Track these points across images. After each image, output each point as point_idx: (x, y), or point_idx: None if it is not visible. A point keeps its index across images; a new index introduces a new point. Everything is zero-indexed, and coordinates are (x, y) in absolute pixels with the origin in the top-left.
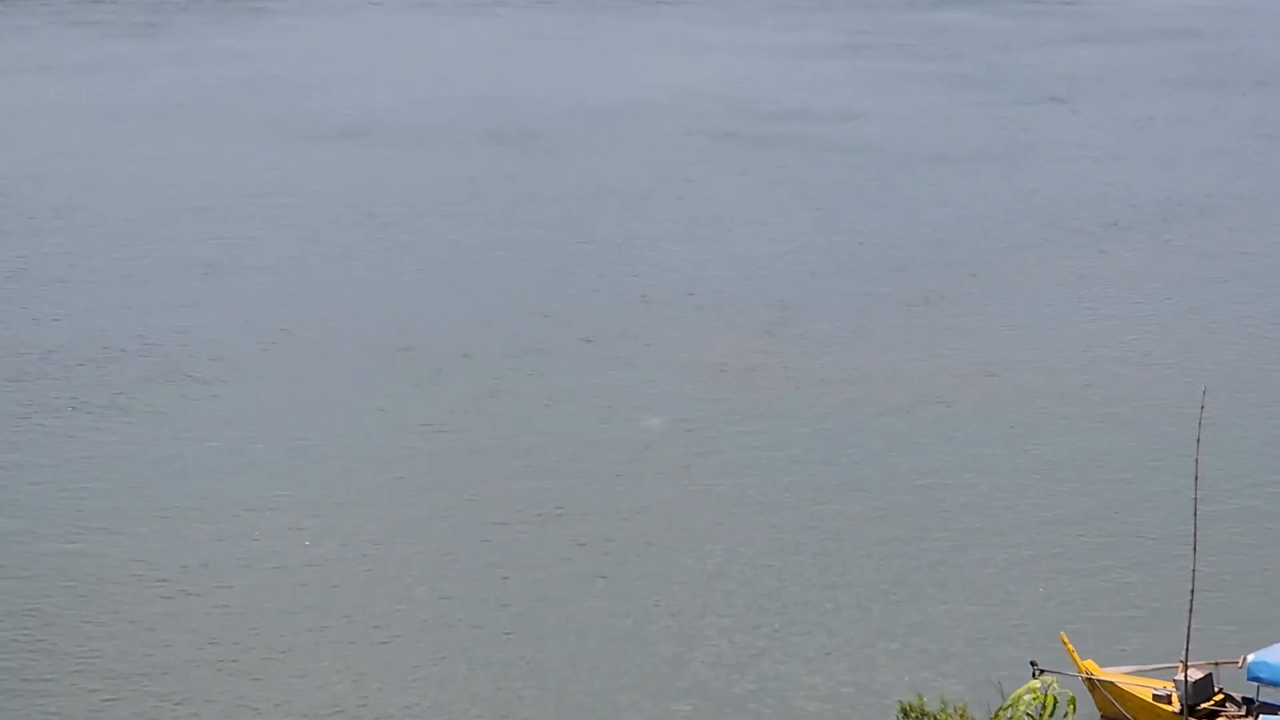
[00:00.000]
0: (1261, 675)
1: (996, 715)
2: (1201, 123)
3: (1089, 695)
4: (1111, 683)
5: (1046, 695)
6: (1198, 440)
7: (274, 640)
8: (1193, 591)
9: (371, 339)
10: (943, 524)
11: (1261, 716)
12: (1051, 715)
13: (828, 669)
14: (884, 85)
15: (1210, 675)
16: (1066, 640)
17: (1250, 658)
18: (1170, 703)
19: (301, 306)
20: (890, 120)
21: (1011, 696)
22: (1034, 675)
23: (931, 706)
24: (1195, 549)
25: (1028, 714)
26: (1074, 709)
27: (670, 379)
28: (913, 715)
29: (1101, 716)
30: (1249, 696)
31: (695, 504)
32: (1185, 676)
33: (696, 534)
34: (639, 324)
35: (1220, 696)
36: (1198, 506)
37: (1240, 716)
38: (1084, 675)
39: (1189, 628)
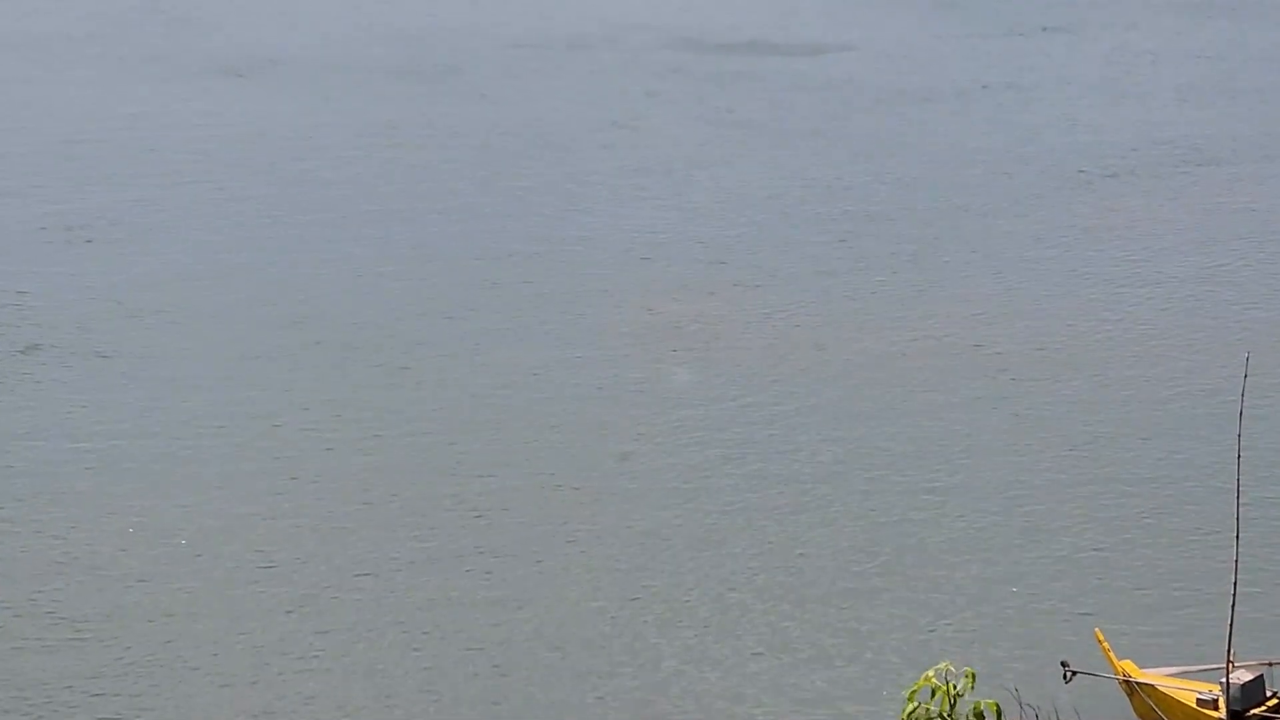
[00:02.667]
0: None
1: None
2: (1220, 56)
3: (1127, 700)
4: (1151, 685)
5: (947, 685)
6: (1240, 414)
7: (146, 656)
8: (1235, 583)
9: (267, 306)
10: (952, 511)
11: None
12: (954, 708)
13: (826, 673)
14: (856, 13)
15: (1261, 676)
16: (1102, 638)
17: None
18: (1217, 707)
19: (185, 269)
20: (864, 54)
21: (905, 695)
22: (1065, 678)
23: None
24: (1238, 535)
25: (941, 715)
26: (973, 683)
27: (614, 347)
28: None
29: None
30: None
31: (648, 496)
32: (1226, 679)
33: (650, 530)
34: (577, 285)
35: (1274, 701)
36: (1241, 487)
37: None
38: (1121, 677)
39: (1231, 623)
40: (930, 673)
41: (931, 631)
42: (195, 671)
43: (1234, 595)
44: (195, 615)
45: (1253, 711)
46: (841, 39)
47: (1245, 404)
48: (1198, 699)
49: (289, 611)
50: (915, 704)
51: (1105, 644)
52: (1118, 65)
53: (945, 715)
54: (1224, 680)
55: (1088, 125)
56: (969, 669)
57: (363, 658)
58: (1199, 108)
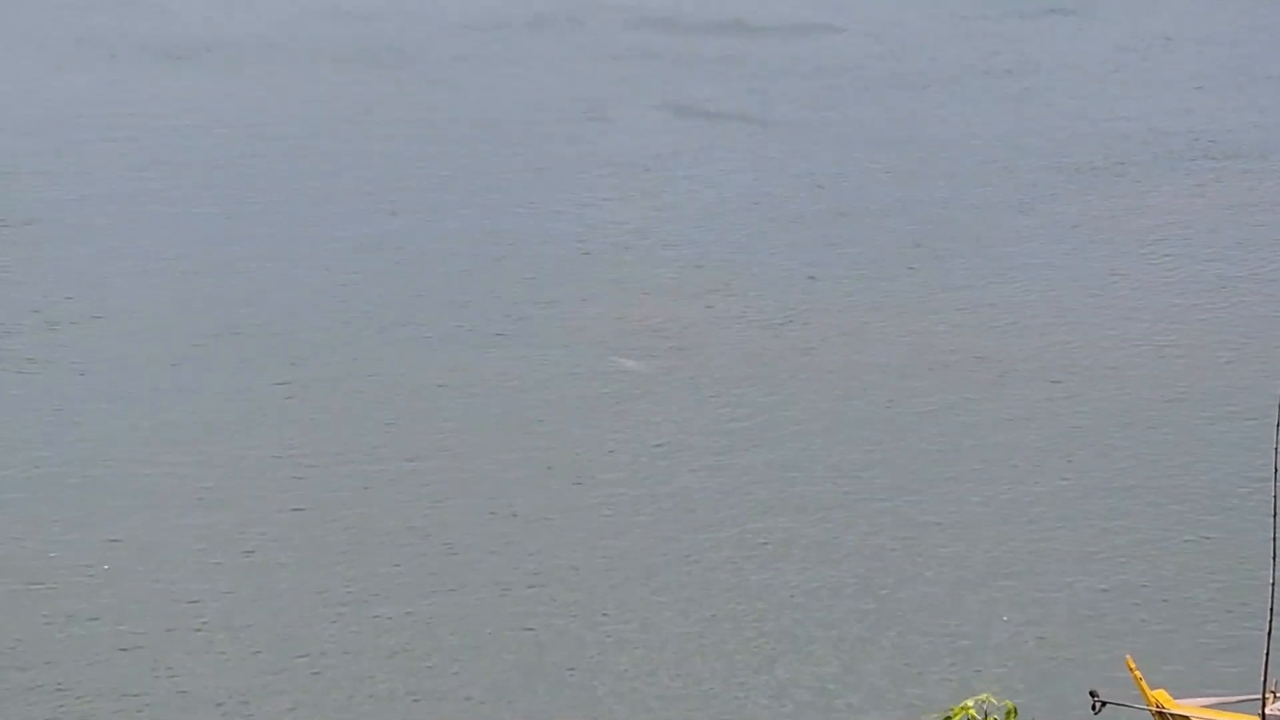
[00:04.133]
0: None
1: None
2: (1241, 40)
3: None
4: (1186, 717)
5: (986, 719)
6: (1277, 426)
7: (72, 679)
8: (1271, 610)
9: (202, 312)
10: (966, 535)
11: None
12: None
13: (839, 704)
14: None
15: None
16: (1133, 666)
17: None
18: None
19: (114, 270)
20: (856, 35)
21: None
22: (1094, 708)
23: None
24: (1275, 557)
25: None
26: (1014, 718)
27: (579, 360)
28: None
29: None
30: None
31: (620, 519)
32: (1263, 710)
33: (624, 557)
34: (540, 291)
35: None
36: (1278, 506)
37: None
38: (1154, 708)
39: (1267, 651)
40: (970, 702)
41: (950, 659)
42: (119, 700)
43: (1270, 621)
44: (122, 639)
45: None
46: (829, 20)
47: None
48: None
49: (223, 641)
50: None
51: (1137, 672)
52: (1131, 50)
53: None
54: (1262, 711)
55: (1098, 115)
56: (1009, 703)
57: (306, 685)
58: (1219, 96)
